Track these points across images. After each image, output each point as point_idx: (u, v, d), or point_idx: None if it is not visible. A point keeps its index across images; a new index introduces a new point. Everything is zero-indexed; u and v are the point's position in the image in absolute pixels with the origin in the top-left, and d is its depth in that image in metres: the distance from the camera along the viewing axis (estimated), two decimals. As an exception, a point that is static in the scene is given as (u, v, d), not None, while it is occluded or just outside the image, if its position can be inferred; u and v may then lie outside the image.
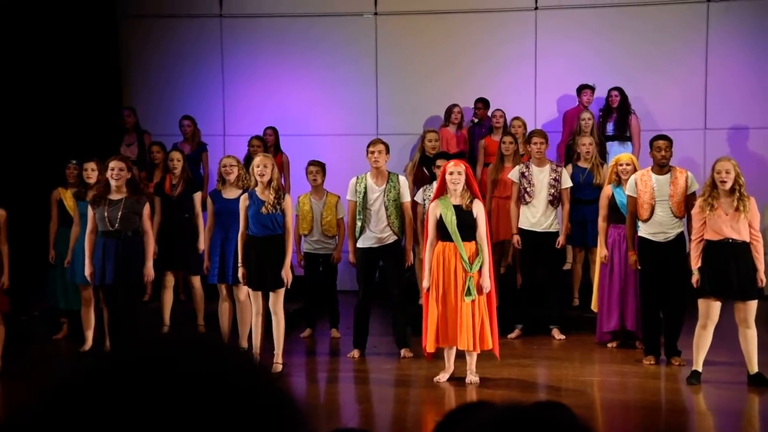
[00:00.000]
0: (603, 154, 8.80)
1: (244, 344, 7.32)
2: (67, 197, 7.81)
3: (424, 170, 8.53)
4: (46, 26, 9.52)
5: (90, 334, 7.54)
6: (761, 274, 6.24)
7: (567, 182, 7.95)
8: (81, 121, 9.66)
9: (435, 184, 7.75)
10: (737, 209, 6.19)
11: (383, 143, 7.26)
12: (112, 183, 6.64)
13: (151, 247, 6.76)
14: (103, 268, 6.60)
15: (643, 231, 6.95)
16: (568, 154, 8.99)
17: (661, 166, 6.93)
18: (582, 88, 9.67)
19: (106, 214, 6.60)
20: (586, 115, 8.94)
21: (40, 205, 7.96)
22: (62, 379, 0.93)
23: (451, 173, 6.44)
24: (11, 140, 9.12)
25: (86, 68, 9.88)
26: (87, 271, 6.69)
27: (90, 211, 6.69)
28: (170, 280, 8.08)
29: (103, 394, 0.90)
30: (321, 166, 7.98)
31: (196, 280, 8.02)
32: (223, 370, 0.94)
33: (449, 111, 9.71)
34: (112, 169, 6.64)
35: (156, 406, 0.89)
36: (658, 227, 6.88)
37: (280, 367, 6.69)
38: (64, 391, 0.92)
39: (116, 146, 9.45)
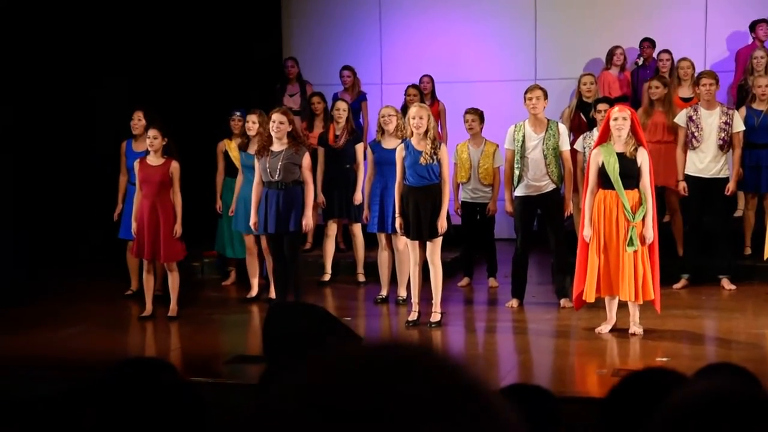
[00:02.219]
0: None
1: (403, 293, 7.43)
2: (232, 148, 8.07)
3: (581, 116, 8.28)
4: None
5: (255, 282, 7.83)
6: None
7: (739, 125, 7.52)
8: (244, 73, 9.94)
9: (596, 131, 7.55)
10: None
11: (541, 89, 7.09)
12: (273, 134, 6.81)
13: (310, 197, 6.91)
14: (266, 218, 6.81)
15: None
16: (741, 96, 8.48)
17: None
18: (756, 23, 9.07)
19: (267, 165, 6.79)
20: (759, 53, 8.39)
21: (207, 156, 8.28)
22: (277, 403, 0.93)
23: (616, 119, 6.22)
24: (179, 93, 9.51)
25: (248, 20, 10.14)
26: (252, 221, 6.93)
27: (257, 163, 6.91)
28: (332, 229, 8.26)
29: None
30: (478, 114, 7.89)
31: (358, 229, 8.16)
32: (441, 393, 0.91)
33: (611, 53, 9.36)
34: (273, 122, 6.80)
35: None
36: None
37: (438, 317, 6.73)
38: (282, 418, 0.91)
39: (279, 96, 9.68)
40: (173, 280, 7.17)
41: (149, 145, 7.09)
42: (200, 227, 8.19)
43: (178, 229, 7.06)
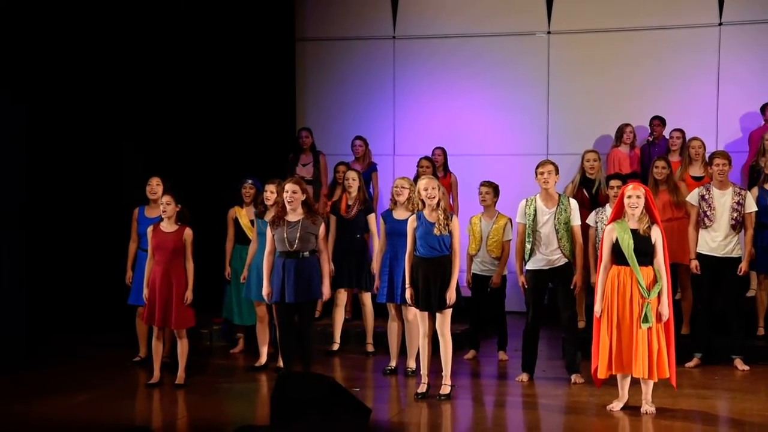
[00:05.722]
0: (791, 176, 8.28)
1: (412, 364, 7.37)
2: (242, 216, 8.11)
3: (584, 192, 8.33)
4: (226, 49, 9.98)
5: (265, 350, 7.78)
6: None
7: (752, 206, 7.54)
8: (257, 141, 10.05)
9: (608, 207, 7.58)
10: None
11: (552, 164, 7.14)
12: (288, 204, 6.84)
13: (326, 266, 6.92)
14: (283, 288, 6.79)
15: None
16: (753, 176, 8.53)
17: None
18: (767, 105, 9.18)
19: (285, 235, 6.79)
20: (769, 135, 8.47)
21: (217, 223, 8.30)
22: None
23: (630, 196, 6.26)
24: (192, 160, 9.59)
25: (263, 89, 10.29)
26: (265, 291, 6.90)
27: (269, 233, 6.91)
28: (342, 298, 8.24)
29: None
30: (493, 187, 7.93)
31: (368, 299, 8.14)
32: None
33: (621, 130, 9.45)
34: (287, 191, 6.84)
35: None
36: None
37: (448, 389, 6.67)
38: None
39: (292, 166, 9.76)
40: (182, 347, 7.14)
41: (162, 211, 7.12)
42: (209, 294, 8.17)
43: (189, 295, 7.05)
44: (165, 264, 7.05)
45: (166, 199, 7.13)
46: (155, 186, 7.77)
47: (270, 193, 7.52)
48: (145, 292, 7.11)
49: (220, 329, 8.68)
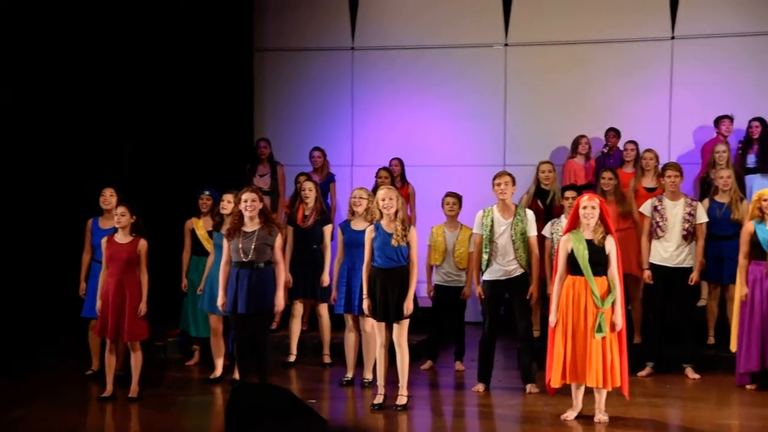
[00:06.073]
0: (742, 188, 8.44)
1: (369, 375, 7.37)
2: (199, 227, 8.07)
3: (538, 203, 8.41)
4: (183, 59, 9.93)
5: (220, 362, 7.74)
6: None
7: (703, 217, 7.67)
8: (215, 152, 10.01)
9: (563, 218, 7.66)
10: None
11: (509, 175, 7.20)
12: (246, 214, 6.81)
13: (282, 277, 6.89)
14: (236, 298, 6.77)
15: (787, 269, 6.61)
16: (705, 188, 8.68)
17: (806, 201, 6.58)
18: (720, 119, 9.35)
19: (240, 245, 6.76)
20: (721, 147, 8.63)
21: (174, 235, 8.24)
22: None
23: (585, 207, 6.33)
24: (148, 170, 9.52)
25: (221, 100, 10.25)
26: (219, 302, 6.87)
27: (225, 243, 6.88)
28: (299, 309, 8.22)
29: None
30: (458, 198, 7.98)
31: (324, 310, 8.13)
32: None
33: (576, 142, 9.56)
34: (245, 201, 6.81)
35: None
36: (802, 265, 6.54)
37: (405, 400, 6.67)
38: None
39: (249, 176, 9.72)
40: (135, 360, 7.06)
41: (117, 222, 7.05)
42: (164, 306, 8.10)
43: (143, 307, 6.99)
44: (119, 276, 6.98)
45: (120, 210, 7.06)
46: (109, 197, 7.70)
47: (227, 203, 7.50)
48: (98, 304, 7.03)
49: (176, 341, 8.61)
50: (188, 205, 8.22)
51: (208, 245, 7.90)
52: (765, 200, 7.08)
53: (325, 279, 7.95)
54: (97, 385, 7.31)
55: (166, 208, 8.92)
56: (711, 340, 8.15)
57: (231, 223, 6.96)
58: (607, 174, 8.26)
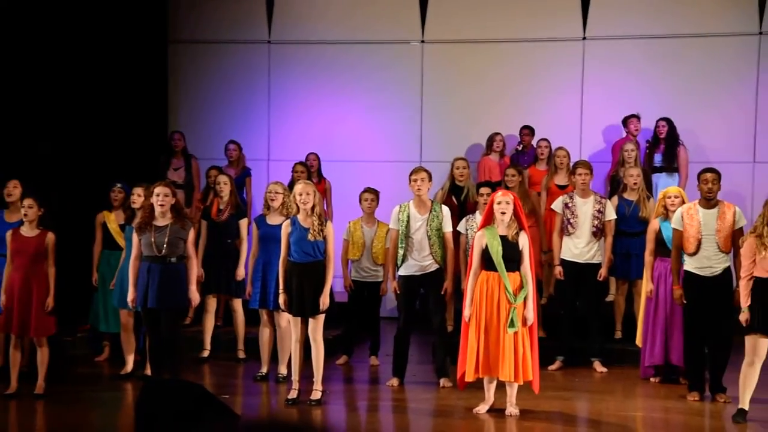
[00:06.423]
0: (649, 186, 8.69)
1: (284, 370, 7.34)
2: (111, 220, 7.92)
3: (453, 199, 8.51)
4: (96, 50, 9.69)
5: (131, 358, 7.60)
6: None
7: (611, 215, 7.87)
8: (128, 144, 9.80)
9: (478, 214, 7.76)
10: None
11: (426, 171, 7.25)
12: (157, 208, 6.70)
13: (194, 271, 6.81)
14: (146, 293, 6.66)
15: (689, 265, 6.84)
16: (614, 186, 8.90)
17: (709, 200, 6.81)
18: (628, 118, 9.59)
19: (152, 239, 6.66)
20: (629, 146, 8.86)
21: (85, 228, 8.06)
22: None
23: (499, 203, 6.41)
24: (59, 163, 9.27)
25: (135, 91, 10.04)
26: (130, 297, 6.75)
27: (135, 238, 6.76)
28: (212, 304, 8.13)
29: None
30: (376, 194, 8.01)
31: (238, 305, 8.07)
32: None
33: (491, 139, 9.67)
34: (158, 195, 6.70)
35: None
36: (704, 262, 6.77)
37: (319, 395, 6.67)
38: None
39: (163, 170, 9.56)
40: (42, 356, 6.88)
41: (24, 215, 6.86)
42: (73, 301, 7.91)
43: (50, 302, 6.81)
44: (25, 269, 6.79)
45: (27, 202, 6.87)
46: (12, 189, 7.49)
47: (137, 196, 7.37)
48: (3, 298, 6.83)
49: (86, 337, 8.42)
50: (101, 199, 8.05)
51: (120, 239, 7.75)
52: (669, 198, 7.30)
53: (240, 273, 7.89)
54: (1, 383, 7.08)
55: (78, 202, 8.71)
56: (618, 335, 8.37)
57: (142, 217, 6.84)
58: (510, 171, 8.39)
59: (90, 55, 9.65)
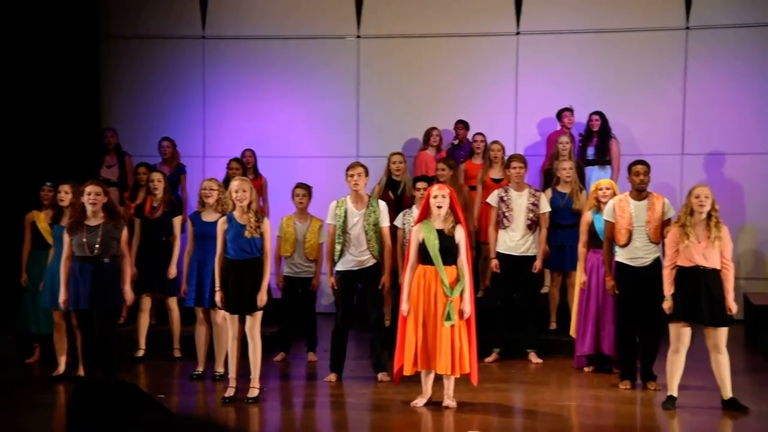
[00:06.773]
0: (582, 179, 8.82)
1: (221, 369, 7.28)
2: (41, 220, 7.76)
3: (389, 193, 8.54)
4: (26, 44, 9.48)
5: (63, 359, 7.46)
6: (731, 302, 6.27)
7: (545, 207, 7.97)
8: (59, 141, 9.62)
9: (415, 209, 7.79)
10: (710, 237, 6.23)
11: (362, 166, 7.26)
12: (89, 208, 6.59)
13: (128, 270, 6.72)
14: (78, 293, 6.53)
15: (621, 256, 6.96)
16: (548, 179, 9.01)
17: (639, 192, 6.95)
18: (562, 112, 9.72)
19: (84, 239, 6.54)
20: (563, 138, 8.98)
21: (14, 227, 7.89)
22: None
23: (435, 197, 6.44)
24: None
25: (66, 87, 9.85)
26: (61, 298, 6.62)
27: (66, 238, 6.63)
28: (146, 302, 8.03)
29: None
30: (308, 189, 7.97)
31: (173, 303, 7.98)
32: None
33: (428, 134, 9.71)
34: (89, 194, 6.59)
35: None
36: (635, 252, 6.90)
37: (256, 392, 6.63)
38: None
39: (96, 167, 9.40)
40: (-30, 358, 6.72)
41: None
42: (1, 302, 7.74)
43: (-22, 303, 6.65)
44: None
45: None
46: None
47: (64, 193, 7.23)
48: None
49: (14, 338, 8.24)
50: (31, 198, 7.89)
51: (50, 238, 7.60)
52: (601, 190, 7.42)
53: (172, 271, 7.81)
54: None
55: (7, 201, 8.52)
56: (553, 326, 8.48)
57: (72, 217, 6.72)
58: (440, 165, 8.45)
59: (20, 51, 9.45)
